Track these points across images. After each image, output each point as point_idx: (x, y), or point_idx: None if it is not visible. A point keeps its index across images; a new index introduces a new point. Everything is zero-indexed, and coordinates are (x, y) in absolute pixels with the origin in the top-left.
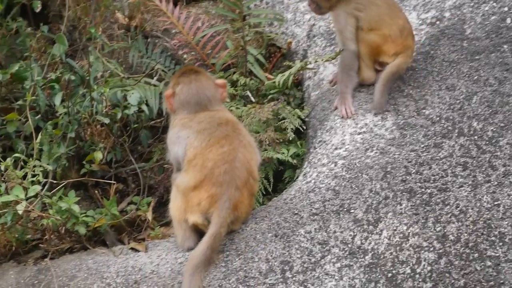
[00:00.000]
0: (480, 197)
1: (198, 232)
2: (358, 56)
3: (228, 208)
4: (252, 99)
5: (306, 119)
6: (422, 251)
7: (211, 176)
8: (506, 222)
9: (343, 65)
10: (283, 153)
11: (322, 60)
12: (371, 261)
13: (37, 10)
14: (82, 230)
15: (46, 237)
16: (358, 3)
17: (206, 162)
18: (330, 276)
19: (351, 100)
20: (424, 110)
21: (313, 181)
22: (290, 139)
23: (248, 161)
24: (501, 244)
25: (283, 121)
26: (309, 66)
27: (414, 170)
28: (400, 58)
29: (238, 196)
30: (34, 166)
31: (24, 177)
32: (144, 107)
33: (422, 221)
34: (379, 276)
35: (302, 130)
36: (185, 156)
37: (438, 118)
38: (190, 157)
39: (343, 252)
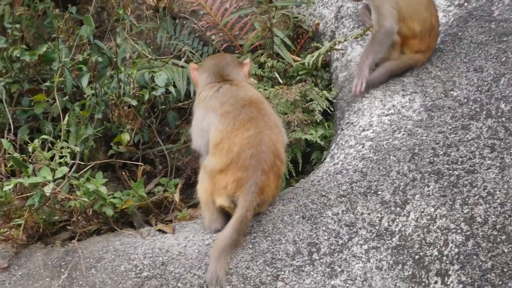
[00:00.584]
0: (507, 179)
1: (225, 214)
2: (392, 34)
3: (254, 192)
4: (280, 80)
5: (334, 101)
6: (450, 233)
7: (238, 160)
8: None
9: (373, 37)
10: (311, 134)
11: (351, 37)
12: (398, 243)
13: None
14: (109, 211)
15: (73, 218)
16: None
17: (233, 146)
18: (357, 258)
19: (366, 73)
20: (451, 92)
21: (340, 162)
22: (318, 120)
23: (274, 144)
24: None
25: (310, 102)
26: (338, 46)
27: (441, 152)
28: (420, 55)
29: (265, 180)
30: (62, 148)
31: (52, 158)
32: (171, 89)
33: (450, 203)
34: (406, 258)
35: (330, 112)
36: (211, 139)
37: (465, 100)
38: (217, 140)
39: (370, 234)
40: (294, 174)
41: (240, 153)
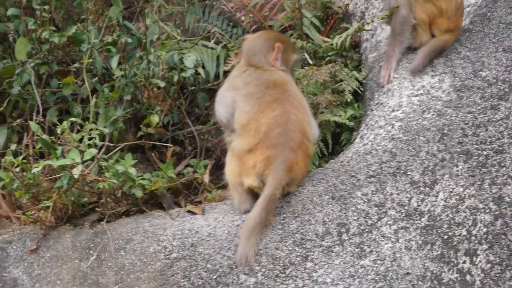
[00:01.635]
0: None
1: (254, 194)
2: (409, 21)
3: (283, 170)
4: (310, 61)
5: (364, 81)
6: (478, 213)
7: (266, 140)
8: None
9: (393, 29)
10: (340, 115)
11: (377, 19)
12: (427, 223)
13: None
14: (138, 193)
15: (102, 200)
16: None
17: (260, 126)
18: (386, 238)
19: (394, 66)
20: (480, 72)
21: (370, 143)
22: (348, 101)
23: (301, 122)
24: None
25: (340, 83)
26: (366, 27)
27: (470, 132)
28: (449, 35)
29: (293, 158)
30: (91, 129)
31: (81, 140)
32: (200, 70)
33: (478, 183)
34: (435, 238)
35: (360, 92)
36: (237, 121)
37: (494, 80)
38: (244, 122)
39: (400, 214)
40: (326, 154)
41: (268, 132)
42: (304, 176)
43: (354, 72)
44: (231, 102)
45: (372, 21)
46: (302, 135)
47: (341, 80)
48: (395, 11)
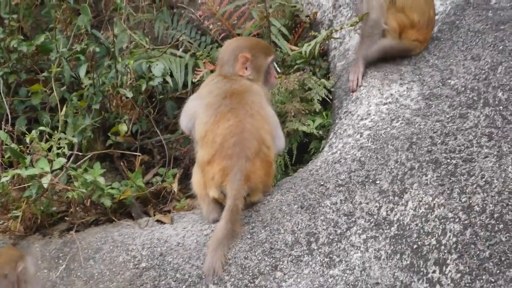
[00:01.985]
0: (505, 167)
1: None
2: (380, 26)
3: (240, 180)
4: (278, 69)
5: (332, 89)
6: (448, 222)
7: (221, 150)
8: None
9: (362, 33)
10: (308, 125)
11: (347, 25)
12: (396, 232)
13: None
14: (107, 202)
15: (71, 209)
16: None
17: (216, 137)
18: (355, 248)
19: (362, 69)
20: (449, 80)
21: (338, 152)
22: (317, 110)
23: (257, 131)
24: None
25: (309, 91)
26: (335, 35)
27: (439, 141)
28: (418, 43)
29: (250, 167)
30: (59, 139)
31: (49, 149)
32: (168, 79)
33: (448, 192)
34: (405, 248)
35: (329, 100)
36: (197, 132)
37: (463, 88)
38: (202, 133)
39: (369, 223)
40: (291, 164)
41: (223, 143)
42: (268, 184)
43: (323, 80)
44: (193, 112)
45: (341, 28)
46: (259, 143)
47: (310, 89)
48: (366, 16)
